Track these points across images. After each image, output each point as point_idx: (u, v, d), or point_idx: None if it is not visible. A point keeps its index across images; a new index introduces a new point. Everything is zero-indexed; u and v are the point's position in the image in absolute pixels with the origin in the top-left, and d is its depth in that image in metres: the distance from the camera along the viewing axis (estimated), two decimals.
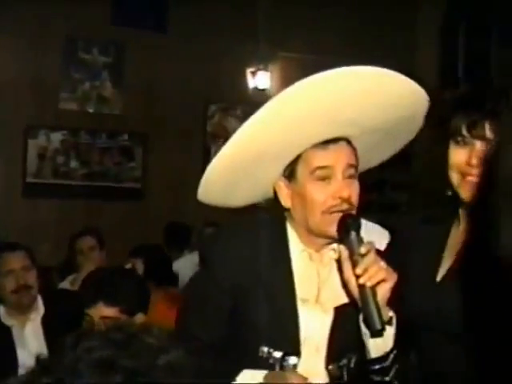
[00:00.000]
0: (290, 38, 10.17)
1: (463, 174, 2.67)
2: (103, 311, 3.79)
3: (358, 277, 2.53)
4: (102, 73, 10.04)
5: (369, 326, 2.53)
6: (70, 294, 5.54)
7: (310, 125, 2.61)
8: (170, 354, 1.55)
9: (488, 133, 2.60)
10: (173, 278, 6.41)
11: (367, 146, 2.79)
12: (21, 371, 4.61)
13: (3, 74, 9.35)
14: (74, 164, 9.92)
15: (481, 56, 10.05)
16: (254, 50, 10.22)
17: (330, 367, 2.78)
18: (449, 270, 2.76)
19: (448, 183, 2.72)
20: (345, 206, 2.66)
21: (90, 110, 10.01)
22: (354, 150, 2.74)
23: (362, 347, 2.64)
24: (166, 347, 1.56)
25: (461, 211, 2.79)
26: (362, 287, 2.53)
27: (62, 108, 9.84)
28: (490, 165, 2.55)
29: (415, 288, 2.77)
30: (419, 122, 2.82)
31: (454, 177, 2.70)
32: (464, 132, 2.65)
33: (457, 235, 2.81)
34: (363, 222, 3.20)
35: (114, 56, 10.06)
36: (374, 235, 2.91)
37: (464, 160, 2.65)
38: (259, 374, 2.68)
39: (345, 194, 2.66)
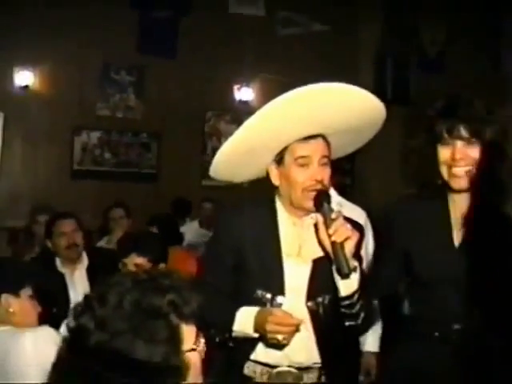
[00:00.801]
0: (267, 63, 10.16)
1: (450, 167, 2.67)
2: (135, 260, 3.92)
3: (330, 236, 2.56)
4: (128, 88, 10.00)
5: (339, 271, 2.55)
6: (105, 251, 5.60)
7: (294, 126, 2.67)
8: (176, 293, 1.59)
9: (463, 133, 2.64)
10: (180, 238, 6.45)
11: (340, 141, 2.82)
12: (72, 306, 4.68)
13: (57, 90, 9.39)
14: (107, 155, 9.92)
15: (402, 80, 10.07)
16: (239, 71, 10.24)
17: (309, 304, 2.82)
18: (464, 237, 2.73)
19: (439, 175, 2.70)
20: (319, 186, 2.71)
21: (119, 116, 10.00)
22: (329, 144, 2.78)
23: (334, 289, 2.65)
24: (176, 288, 1.60)
25: (451, 194, 2.77)
26: (333, 243, 2.56)
27: (99, 114, 9.86)
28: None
29: (437, 253, 2.75)
30: (379, 125, 2.86)
31: (444, 170, 2.69)
32: (445, 135, 2.67)
33: (455, 210, 2.78)
34: (346, 202, 3.29)
35: (136, 76, 10.03)
36: (354, 212, 3.02)
37: (449, 156, 2.66)
38: (253, 310, 2.75)
39: (319, 177, 2.72)
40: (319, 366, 2.87)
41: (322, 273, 2.74)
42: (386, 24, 10.19)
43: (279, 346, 2.74)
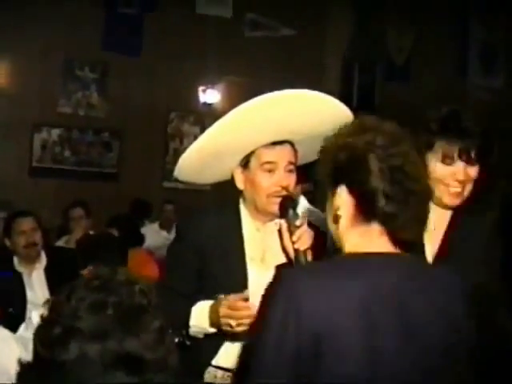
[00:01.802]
0: (233, 65, 10.19)
1: (447, 185, 2.57)
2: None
3: (293, 243, 2.58)
4: (90, 86, 9.96)
5: None
6: (64, 250, 5.58)
7: (261, 131, 2.67)
8: (138, 283, 1.56)
9: (472, 156, 2.54)
10: (140, 239, 6.43)
11: (307, 148, 2.76)
12: (29, 306, 4.67)
13: (18, 85, 9.31)
14: (67, 153, 9.86)
15: (368, 87, 10.15)
16: (204, 73, 10.23)
17: None
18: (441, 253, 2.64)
19: None
20: (283, 193, 2.71)
21: (81, 113, 9.95)
22: (295, 150, 2.78)
23: None
24: (133, 280, 1.58)
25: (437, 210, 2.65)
26: (296, 250, 2.58)
27: (60, 111, 9.80)
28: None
29: None
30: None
31: (439, 187, 2.57)
32: (455, 156, 2.55)
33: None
34: (315, 209, 3.28)
35: (100, 73, 10.00)
36: (319, 218, 3.04)
37: (448, 175, 2.56)
38: (208, 302, 2.75)
39: (284, 183, 2.72)
40: None
41: None
42: (353, 30, 10.27)
43: (235, 337, 2.74)
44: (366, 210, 1.99)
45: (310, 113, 2.68)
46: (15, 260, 4.97)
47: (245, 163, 2.79)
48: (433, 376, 1.96)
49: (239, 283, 2.79)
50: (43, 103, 9.52)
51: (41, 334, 1.51)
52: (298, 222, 2.61)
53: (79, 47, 9.60)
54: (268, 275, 2.81)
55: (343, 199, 2.02)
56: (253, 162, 2.76)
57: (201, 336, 2.81)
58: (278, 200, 2.72)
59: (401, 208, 1.95)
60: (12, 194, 8.38)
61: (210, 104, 10.35)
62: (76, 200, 7.00)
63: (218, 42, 9.99)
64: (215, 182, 3.01)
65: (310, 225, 2.68)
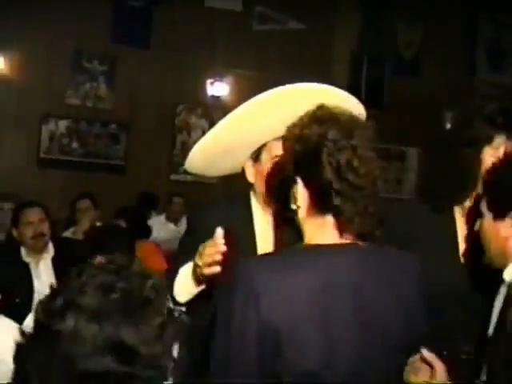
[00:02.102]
0: (241, 59, 10.21)
1: None
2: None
3: None
4: (99, 77, 9.97)
5: None
6: (72, 241, 5.64)
7: (273, 124, 2.61)
8: (152, 278, 1.57)
9: None
10: (148, 231, 6.47)
11: None
12: (36, 296, 4.70)
13: (26, 76, 9.33)
14: (75, 145, 9.88)
15: (377, 82, 10.14)
16: (213, 66, 10.26)
17: None
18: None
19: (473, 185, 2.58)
20: None
21: (89, 105, 9.96)
22: None
23: None
24: (148, 274, 1.58)
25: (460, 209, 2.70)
26: None
27: (68, 103, 9.81)
28: None
29: (444, 269, 2.63)
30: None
31: None
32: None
33: (462, 224, 2.71)
34: None
35: (108, 65, 10.01)
36: None
37: None
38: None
39: None
40: None
41: None
42: (362, 24, 10.27)
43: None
44: (319, 203, 2.05)
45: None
46: (23, 250, 4.99)
47: (256, 156, 2.78)
48: (390, 359, 2.05)
49: None
50: (51, 95, 9.54)
51: (44, 303, 1.52)
52: None
53: (88, 39, 9.63)
54: None
55: (300, 191, 2.09)
56: (264, 155, 2.75)
57: (189, 297, 2.71)
58: None
59: (348, 202, 2.00)
60: (20, 185, 8.40)
61: (217, 97, 10.34)
62: (83, 192, 7.02)
63: (226, 35, 10.03)
64: (224, 175, 2.99)
65: None
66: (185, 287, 2.65)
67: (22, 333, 1.55)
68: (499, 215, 2.28)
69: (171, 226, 8.39)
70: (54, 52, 9.44)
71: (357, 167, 2.00)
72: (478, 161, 2.58)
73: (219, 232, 2.47)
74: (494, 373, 2.20)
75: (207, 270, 2.46)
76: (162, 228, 8.04)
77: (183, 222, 8.36)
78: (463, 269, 2.69)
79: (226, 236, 2.46)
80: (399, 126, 10.72)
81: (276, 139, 2.70)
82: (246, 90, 10.67)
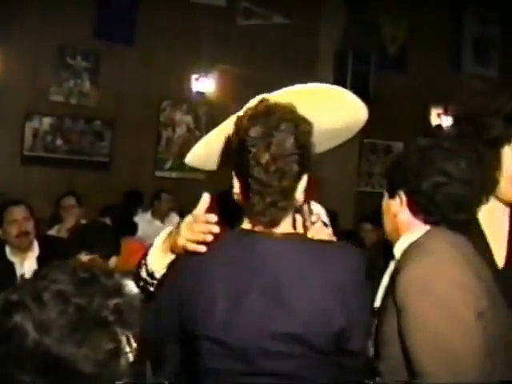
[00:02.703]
0: (226, 54, 10.20)
1: None
2: (85, 258, 3.87)
3: None
4: (82, 74, 9.91)
5: None
6: (57, 239, 5.58)
7: None
8: (121, 297, 1.51)
9: None
10: (134, 229, 6.45)
11: (318, 140, 2.71)
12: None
13: (9, 73, 9.26)
14: (59, 142, 9.80)
15: (362, 77, 10.14)
16: (197, 62, 10.24)
17: None
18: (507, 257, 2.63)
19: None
20: None
21: (73, 102, 9.90)
22: None
23: None
24: (118, 291, 1.52)
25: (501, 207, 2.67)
26: None
27: (52, 99, 9.74)
28: None
29: None
30: (359, 127, 2.77)
31: (508, 186, 2.58)
32: None
33: (495, 227, 2.67)
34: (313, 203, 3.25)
35: (92, 62, 9.95)
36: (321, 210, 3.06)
37: None
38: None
39: None
40: None
41: None
42: (347, 19, 10.27)
43: None
44: (243, 194, 2.23)
45: (327, 108, 2.60)
46: (7, 249, 4.93)
47: None
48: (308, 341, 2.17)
49: None
50: (35, 92, 9.48)
51: (3, 295, 1.50)
52: (313, 218, 2.59)
53: (72, 36, 9.56)
54: None
55: (234, 182, 2.26)
56: None
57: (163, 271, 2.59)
58: None
59: (256, 196, 2.15)
60: (3, 183, 8.38)
61: (203, 93, 10.31)
62: (68, 189, 7.01)
63: (211, 31, 9.99)
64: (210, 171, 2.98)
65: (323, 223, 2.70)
66: (160, 260, 2.49)
67: None
68: (392, 195, 2.46)
69: (157, 223, 8.36)
70: (37, 49, 9.38)
71: (264, 164, 2.10)
72: (498, 161, 2.57)
73: (206, 199, 2.40)
74: (379, 344, 2.34)
75: (191, 247, 2.31)
76: (147, 225, 8.00)
77: (170, 219, 8.35)
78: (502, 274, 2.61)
79: (210, 206, 2.43)
80: (385, 121, 10.75)
81: None
82: (231, 86, 10.81)
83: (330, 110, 2.62)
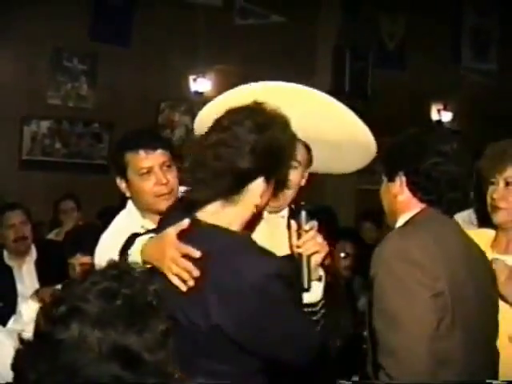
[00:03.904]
0: (224, 54, 10.18)
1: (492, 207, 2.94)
2: (81, 259, 3.89)
3: (298, 246, 2.54)
4: (80, 77, 9.90)
5: (299, 284, 2.52)
6: (54, 243, 5.59)
7: None
8: (154, 283, 1.59)
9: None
10: None
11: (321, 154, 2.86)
12: (19, 299, 4.67)
13: (6, 77, 9.24)
14: (57, 145, 9.78)
15: (361, 74, 10.12)
16: (195, 62, 10.23)
17: None
18: None
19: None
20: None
21: (71, 105, 9.88)
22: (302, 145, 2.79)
23: None
24: (149, 279, 1.62)
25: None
26: (299, 255, 2.54)
27: (50, 103, 9.72)
28: None
29: None
30: (363, 156, 2.94)
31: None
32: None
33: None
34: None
35: (89, 64, 9.93)
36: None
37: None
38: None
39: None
40: None
41: (291, 269, 2.63)
42: (344, 15, 10.25)
43: None
44: None
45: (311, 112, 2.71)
46: (5, 254, 5.00)
47: None
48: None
49: None
50: (32, 95, 9.45)
51: (46, 310, 1.52)
52: (307, 226, 2.58)
53: (68, 38, 9.55)
54: None
55: None
56: None
57: None
58: None
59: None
60: (3, 188, 8.35)
61: (201, 93, 10.30)
62: (66, 193, 6.99)
63: (207, 31, 9.98)
64: None
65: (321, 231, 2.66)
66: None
67: (22, 340, 1.54)
68: (392, 178, 2.60)
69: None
70: (33, 52, 9.37)
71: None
72: None
73: (184, 224, 2.37)
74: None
75: (176, 282, 2.30)
76: None
77: None
78: None
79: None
80: (386, 118, 10.72)
81: None
82: (229, 85, 10.65)
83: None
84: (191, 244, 2.27)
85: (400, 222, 2.58)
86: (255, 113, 2.31)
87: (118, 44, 9.85)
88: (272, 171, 2.32)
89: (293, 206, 2.74)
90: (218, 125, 2.32)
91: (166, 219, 2.57)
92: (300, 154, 2.77)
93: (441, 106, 11.90)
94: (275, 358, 2.31)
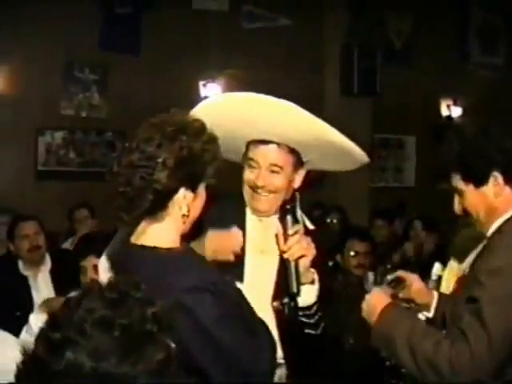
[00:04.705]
0: (232, 58, 10.20)
1: None
2: (94, 261, 3.86)
3: (284, 251, 2.55)
4: (91, 87, 9.98)
5: (288, 289, 2.52)
6: (68, 252, 5.62)
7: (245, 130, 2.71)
8: (155, 305, 1.53)
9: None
10: None
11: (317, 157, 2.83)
12: (36, 308, 4.69)
13: (20, 89, 9.34)
14: (71, 155, 9.88)
15: (369, 73, 10.08)
16: (204, 67, 10.25)
17: (274, 304, 2.69)
18: None
19: None
20: (264, 190, 2.75)
21: (83, 115, 9.98)
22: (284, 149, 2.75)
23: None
24: (149, 300, 1.55)
25: None
26: (286, 260, 2.54)
27: (63, 113, 9.82)
28: None
29: None
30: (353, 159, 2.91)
31: None
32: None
33: None
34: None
35: (100, 74, 10.02)
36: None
37: None
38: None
39: (260, 183, 2.74)
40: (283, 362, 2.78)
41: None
42: (351, 15, 10.23)
43: None
44: None
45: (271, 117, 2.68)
46: (20, 264, 5.03)
47: (242, 157, 2.82)
48: None
49: (235, 272, 2.72)
50: (45, 107, 9.54)
51: (43, 336, 1.49)
52: (291, 231, 2.58)
53: (78, 49, 9.64)
54: (266, 266, 2.79)
55: None
56: (244, 157, 2.80)
57: None
58: (260, 197, 2.75)
59: None
60: (19, 199, 8.42)
61: None
62: (80, 201, 7.02)
63: (216, 37, 10.02)
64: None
65: (306, 231, 2.67)
66: None
67: (23, 355, 1.51)
68: (482, 181, 2.47)
69: None
70: (45, 64, 9.44)
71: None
72: None
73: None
74: None
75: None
76: None
77: None
78: None
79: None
80: (395, 115, 10.70)
81: (253, 144, 2.77)
82: (239, 90, 10.63)
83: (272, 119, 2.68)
84: (123, 268, 2.28)
85: (499, 222, 2.49)
86: (164, 125, 2.25)
87: (128, 53, 9.92)
88: (192, 180, 2.24)
89: (288, 206, 2.69)
90: (129, 147, 2.31)
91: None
92: (281, 159, 2.74)
93: (450, 102, 11.85)
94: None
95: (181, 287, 2.08)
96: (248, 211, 2.86)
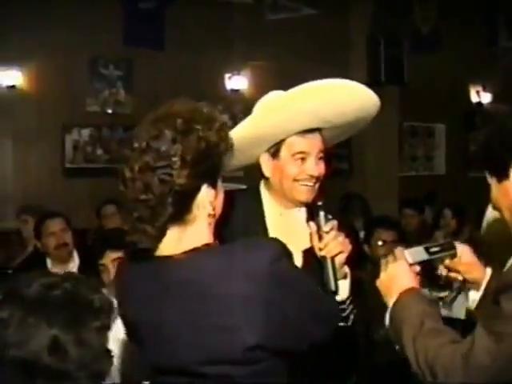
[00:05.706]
0: (257, 50, 10.14)
1: None
2: (111, 256, 3.84)
3: (320, 249, 2.53)
4: (116, 83, 9.97)
5: (326, 287, 2.49)
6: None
7: (297, 120, 2.62)
8: (105, 295, 1.72)
9: None
10: None
11: (334, 133, 2.78)
12: None
13: (45, 88, 9.32)
14: (99, 152, 9.87)
15: (396, 61, 10.00)
16: (229, 60, 10.21)
17: None
18: None
19: None
20: (313, 181, 2.71)
21: (109, 111, 9.96)
22: (323, 137, 2.74)
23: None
24: (100, 291, 1.76)
25: None
26: (323, 257, 2.52)
27: (89, 110, 9.79)
28: None
29: None
30: (372, 117, 2.81)
31: None
32: None
33: None
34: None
35: (125, 70, 10.00)
36: None
37: None
38: None
39: (315, 173, 2.71)
40: None
41: (313, 264, 2.65)
42: (376, 3, 10.12)
43: None
44: None
45: (345, 102, 2.66)
46: (48, 261, 5.05)
47: (274, 152, 2.74)
48: None
49: None
50: (71, 104, 9.52)
51: None
52: (326, 228, 2.55)
53: (102, 45, 9.61)
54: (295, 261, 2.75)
55: None
56: (283, 151, 2.72)
57: None
58: (308, 188, 2.70)
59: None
60: (48, 197, 8.43)
61: (237, 90, 10.30)
62: (108, 197, 7.00)
63: (240, 28, 9.97)
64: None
65: (345, 229, 2.64)
66: None
67: None
68: (501, 175, 2.19)
69: None
70: (70, 62, 9.42)
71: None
72: None
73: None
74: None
75: None
76: None
77: None
78: None
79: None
80: (424, 103, 10.58)
81: (297, 135, 2.69)
82: (265, 81, 10.70)
83: (339, 104, 2.65)
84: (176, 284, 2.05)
85: None
86: (171, 117, 2.09)
87: (152, 47, 9.88)
88: (212, 175, 2.07)
89: (320, 203, 2.65)
90: (138, 147, 2.07)
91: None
92: (322, 144, 2.74)
93: (480, 88, 11.71)
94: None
95: (261, 262, 1.95)
96: (267, 206, 2.83)
